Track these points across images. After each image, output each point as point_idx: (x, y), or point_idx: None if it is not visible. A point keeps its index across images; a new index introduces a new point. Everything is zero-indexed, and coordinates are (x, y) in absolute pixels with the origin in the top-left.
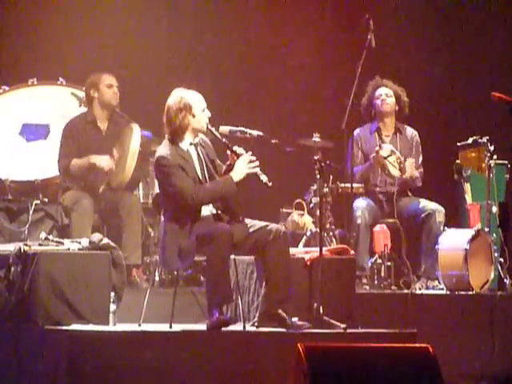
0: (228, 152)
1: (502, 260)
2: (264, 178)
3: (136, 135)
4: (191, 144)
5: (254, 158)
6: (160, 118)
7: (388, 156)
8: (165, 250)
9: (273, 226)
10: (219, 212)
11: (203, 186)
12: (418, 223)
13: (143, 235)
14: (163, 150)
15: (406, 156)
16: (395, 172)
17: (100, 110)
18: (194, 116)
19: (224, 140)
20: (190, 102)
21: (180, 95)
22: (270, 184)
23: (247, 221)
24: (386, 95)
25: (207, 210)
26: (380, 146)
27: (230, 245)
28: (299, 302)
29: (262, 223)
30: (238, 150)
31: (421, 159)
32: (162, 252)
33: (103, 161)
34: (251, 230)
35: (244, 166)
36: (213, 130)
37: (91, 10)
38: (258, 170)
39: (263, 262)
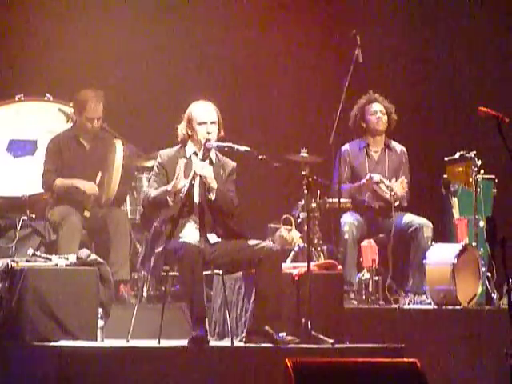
0: None
1: (489, 274)
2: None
3: (119, 150)
4: (195, 153)
5: (187, 180)
6: (148, 133)
7: (377, 183)
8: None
9: (265, 243)
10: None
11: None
12: (405, 238)
13: (131, 251)
14: (168, 149)
15: (394, 172)
16: (386, 195)
17: (86, 125)
18: (192, 129)
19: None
20: (192, 115)
21: (190, 106)
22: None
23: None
24: (381, 112)
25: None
26: (370, 177)
27: (199, 262)
28: (287, 318)
29: (255, 241)
30: (197, 170)
31: (408, 179)
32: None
33: (87, 185)
34: (244, 247)
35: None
36: (207, 146)
37: (78, 25)
38: (180, 185)
39: (255, 279)
